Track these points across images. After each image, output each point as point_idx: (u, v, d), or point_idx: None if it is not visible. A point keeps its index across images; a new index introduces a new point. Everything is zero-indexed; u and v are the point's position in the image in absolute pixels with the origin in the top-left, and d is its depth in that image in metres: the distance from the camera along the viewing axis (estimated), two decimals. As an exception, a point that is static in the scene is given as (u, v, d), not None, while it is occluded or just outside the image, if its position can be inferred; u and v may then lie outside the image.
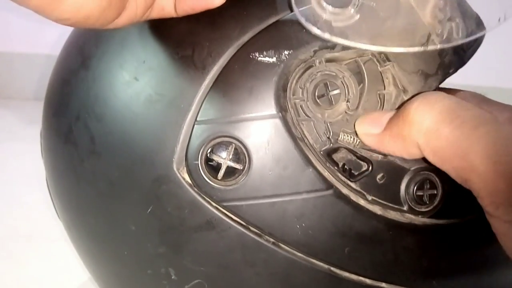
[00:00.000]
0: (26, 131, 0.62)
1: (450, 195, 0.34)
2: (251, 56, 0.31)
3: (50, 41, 0.79)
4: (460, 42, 0.31)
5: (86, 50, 0.36)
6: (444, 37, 0.31)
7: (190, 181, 0.32)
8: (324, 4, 0.30)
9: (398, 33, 0.31)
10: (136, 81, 0.33)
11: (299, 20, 0.30)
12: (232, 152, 0.31)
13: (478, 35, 0.31)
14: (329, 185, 0.32)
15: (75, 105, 0.35)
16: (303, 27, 0.32)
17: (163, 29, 0.33)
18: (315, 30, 0.30)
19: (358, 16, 0.30)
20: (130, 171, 0.33)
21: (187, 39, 0.33)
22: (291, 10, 0.31)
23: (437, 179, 0.34)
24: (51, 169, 0.39)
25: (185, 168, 0.32)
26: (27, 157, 0.50)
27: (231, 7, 0.33)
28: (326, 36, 0.30)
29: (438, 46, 0.31)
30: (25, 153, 0.54)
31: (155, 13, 0.33)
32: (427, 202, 0.33)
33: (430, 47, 0.31)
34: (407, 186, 0.33)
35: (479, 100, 0.33)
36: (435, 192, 0.33)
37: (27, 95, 1.03)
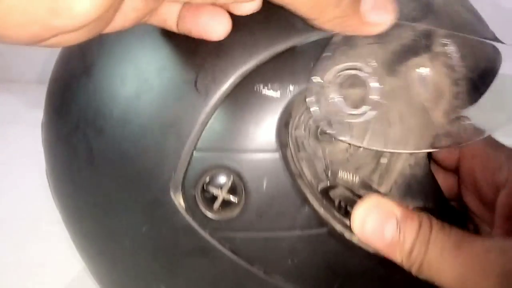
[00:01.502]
0: (29, 114, 0.62)
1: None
2: (255, 88, 0.31)
3: None
4: (468, 142, 0.30)
5: (88, 56, 0.35)
6: (453, 135, 0.30)
7: (185, 207, 0.32)
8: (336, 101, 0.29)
9: (406, 135, 0.30)
10: (137, 99, 0.32)
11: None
12: (229, 185, 0.31)
13: (486, 134, 0.30)
14: (324, 223, 0.32)
15: (76, 113, 0.35)
16: (311, 60, 0.31)
17: (168, 48, 0.32)
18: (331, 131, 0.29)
19: (370, 114, 0.30)
20: (127, 189, 0.33)
21: (191, 62, 0.32)
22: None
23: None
24: (50, 166, 0.39)
25: (181, 194, 0.32)
26: (29, 140, 0.49)
27: (237, 32, 0.31)
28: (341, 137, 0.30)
29: (448, 146, 0.30)
30: (28, 136, 0.53)
31: (155, 23, 0.31)
32: (421, 242, 0.33)
33: (438, 147, 0.30)
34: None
35: None
36: (430, 233, 0.33)
37: (30, 78, 1.02)
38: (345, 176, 0.32)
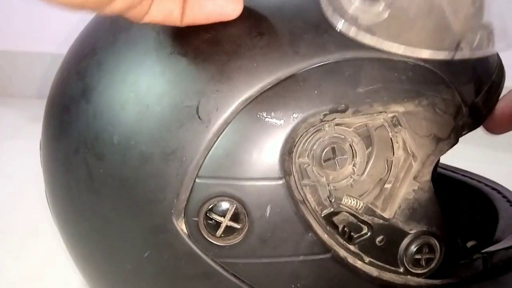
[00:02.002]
0: (29, 129, 0.61)
1: (447, 257, 0.34)
2: (258, 115, 0.30)
3: (53, 39, 0.77)
4: (490, 52, 0.29)
5: (87, 78, 0.35)
6: (475, 45, 0.29)
7: (188, 233, 0.32)
8: None
9: (426, 36, 0.29)
10: (138, 126, 0.32)
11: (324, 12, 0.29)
12: (232, 212, 0.31)
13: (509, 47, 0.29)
14: (328, 249, 0.32)
15: (75, 137, 0.34)
16: (314, 87, 0.30)
17: (169, 74, 0.32)
18: (340, 25, 0.28)
19: (387, 14, 0.28)
20: (128, 215, 0.33)
21: (193, 88, 0.31)
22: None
23: (436, 243, 0.34)
24: (50, 189, 0.39)
25: (183, 220, 0.31)
26: (30, 154, 0.49)
27: (240, 57, 0.31)
28: (352, 32, 0.28)
29: (467, 55, 0.29)
30: (28, 151, 0.53)
31: (161, 17, 0.30)
32: (424, 265, 0.33)
33: (458, 55, 0.29)
34: (406, 249, 0.33)
35: None
36: (433, 256, 0.33)
37: (30, 93, 1.02)
38: (349, 202, 0.32)
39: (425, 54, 0.29)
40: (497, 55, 0.38)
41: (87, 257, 0.38)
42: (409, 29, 0.29)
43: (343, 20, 0.28)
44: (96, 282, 0.39)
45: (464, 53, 0.29)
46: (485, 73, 0.35)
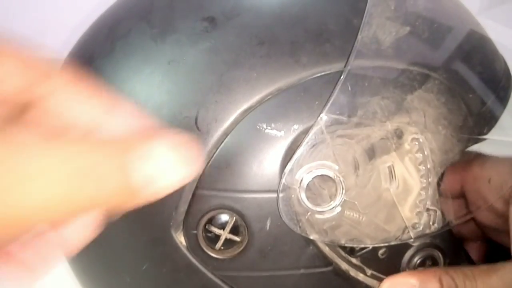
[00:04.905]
0: None
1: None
2: (258, 126, 0.30)
3: (50, 46, 0.76)
4: (433, 232, 0.31)
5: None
6: (420, 228, 0.31)
7: (186, 246, 0.31)
8: (305, 201, 0.30)
9: (375, 229, 0.31)
10: (136, 136, 0.31)
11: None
12: (231, 225, 0.30)
13: (453, 224, 0.32)
14: (329, 262, 0.31)
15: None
16: (315, 98, 0.30)
17: (166, 84, 0.31)
18: (295, 228, 0.30)
19: (339, 210, 0.30)
20: (127, 227, 0.32)
21: (192, 99, 0.30)
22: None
23: (440, 255, 0.33)
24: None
25: (182, 233, 0.31)
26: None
27: (240, 67, 0.30)
28: (309, 236, 0.30)
29: (412, 239, 0.31)
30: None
31: None
32: (427, 278, 0.33)
33: (404, 238, 0.31)
34: (409, 262, 0.32)
35: None
36: (437, 269, 0.33)
37: None
38: (351, 215, 0.31)
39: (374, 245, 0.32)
40: (505, 62, 0.37)
41: (87, 271, 0.37)
42: (358, 226, 0.31)
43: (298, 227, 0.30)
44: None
45: (410, 237, 0.31)
46: (491, 82, 0.34)
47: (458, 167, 0.33)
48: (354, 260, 0.32)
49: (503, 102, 0.34)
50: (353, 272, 0.32)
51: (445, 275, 0.28)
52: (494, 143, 0.33)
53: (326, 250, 0.31)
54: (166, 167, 0.20)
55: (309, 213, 0.30)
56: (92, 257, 0.36)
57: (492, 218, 0.35)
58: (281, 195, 0.30)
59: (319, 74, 0.30)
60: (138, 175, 0.19)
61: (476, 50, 0.34)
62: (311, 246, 0.31)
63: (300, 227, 0.29)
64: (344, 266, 0.31)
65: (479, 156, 0.34)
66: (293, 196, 0.30)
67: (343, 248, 0.32)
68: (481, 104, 0.33)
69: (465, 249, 0.37)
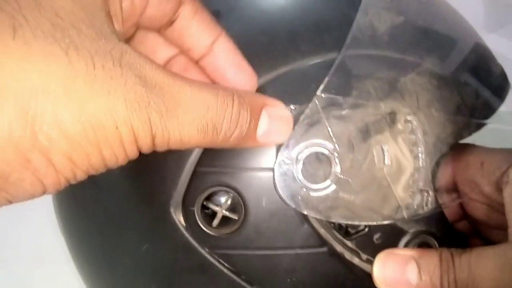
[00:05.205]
0: None
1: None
2: (256, 107, 0.31)
3: None
4: (426, 213, 0.32)
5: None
6: (413, 208, 0.32)
7: (185, 225, 0.32)
8: (300, 177, 0.31)
9: (369, 208, 0.31)
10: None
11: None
12: (228, 202, 0.31)
13: (445, 206, 0.33)
14: (324, 242, 0.32)
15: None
16: (312, 81, 0.31)
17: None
18: (290, 203, 0.31)
19: (333, 188, 0.31)
20: (128, 208, 0.33)
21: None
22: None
23: (435, 242, 0.33)
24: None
25: (181, 212, 0.32)
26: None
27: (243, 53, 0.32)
28: (304, 211, 0.31)
29: (406, 217, 0.32)
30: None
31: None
32: (423, 265, 0.33)
33: (397, 218, 0.32)
34: (404, 248, 0.33)
35: None
36: (432, 256, 0.33)
37: None
38: (346, 193, 0.32)
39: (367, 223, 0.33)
40: (501, 67, 0.38)
41: (88, 255, 0.38)
42: (353, 204, 0.32)
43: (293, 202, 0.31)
44: (96, 282, 0.39)
45: (403, 216, 0.32)
46: (486, 78, 0.35)
47: (450, 158, 0.34)
48: (349, 243, 0.32)
49: (499, 100, 0.36)
50: (348, 255, 0.32)
51: (445, 249, 0.29)
52: (488, 130, 0.34)
53: (321, 231, 0.32)
54: None
55: (304, 190, 0.30)
56: (93, 242, 0.36)
57: (484, 210, 0.35)
58: (276, 171, 0.31)
59: (317, 61, 0.32)
60: None
61: (471, 48, 0.35)
62: (306, 225, 0.31)
63: (294, 202, 0.30)
64: (339, 248, 0.32)
65: (471, 145, 0.35)
66: (288, 172, 0.30)
67: (338, 230, 0.32)
68: (475, 97, 0.34)
69: (462, 237, 0.37)
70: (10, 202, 0.21)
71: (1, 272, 0.53)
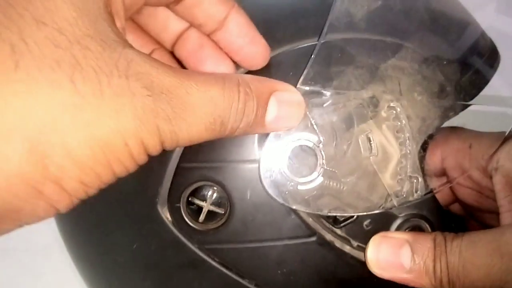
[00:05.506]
0: None
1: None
2: (235, 99, 0.31)
3: None
4: (416, 199, 0.31)
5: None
6: (403, 195, 0.31)
7: (172, 221, 0.32)
8: (287, 172, 0.30)
9: (358, 198, 0.31)
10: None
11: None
12: (213, 197, 0.31)
13: (436, 191, 0.32)
14: (312, 232, 0.31)
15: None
16: (290, 69, 0.31)
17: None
18: (278, 198, 0.30)
19: (321, 180, 0.31)
20: (117, 208, 0.33)
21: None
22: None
23: (427, 226, 0.33)
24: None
25: (167, 207, 0.32)
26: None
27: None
28: (292, 206, 0.30)
29: (396, 205, 0.31)
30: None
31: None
32: (416, 249, 0.32)
33: (388, 206, 0.31)
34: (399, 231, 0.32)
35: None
36: (425, 240, 0.32)
37: None
38: (333, 184, 0.31)
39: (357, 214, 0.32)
40: (491, 41, 0.37)
41: (85, 256, 0.38)
42: (340, 195, 0.31)
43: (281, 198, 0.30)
44: (94, 281, 0.39)
45: (393, 204, 0.31)
46: (471, 54, 0.34)
47: (438, 142, 0.33)
48: (338, 231, 0.32)
49: (487, 75, 0.35)
50: (338, 243, 0.32)
51: (438, 233, 0.28)
52: (475, 113, 0.33)
53: (309, 220, 0.31)
54: None
55: (291, 184, 0.30)
56: (88, 243, 0.37)
57: (474, 196, 0.35)
58: (262, 167, 0.30)
59: (293, 48, 0.31)
60: None
61: (452, 21, 0.34)
62: (293, 216, 0.31)
63: (282, 197, 0.30)
64: (328, 237, 0.32)
65: (459, 129, 0.34)
66: (274, 168, 0.30)
67: (326, 218, 0.32)
68: (460, 74, 0.33)
69: (459, 220, 0.36)
70: (22, 226, 0.21)
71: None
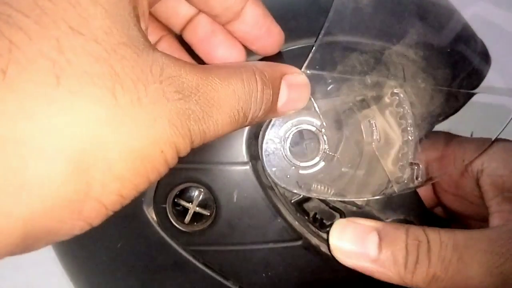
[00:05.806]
0: None
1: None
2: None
3: None
4: (417, 186, 0.31)
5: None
6: (404, 182, 0.31)
7: (157, 221, 0.32)
8: (289, 156, 0.30)
9: (359, 183, 0.31)
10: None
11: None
12: (200, 198, 0.31)
13: (436, 179, 0.32)
14: (298, 236, 0.31)
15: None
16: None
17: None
18: (279, 182, 0.30)
19: (322, 164, 0.31)
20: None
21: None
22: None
23: (414, 231, 0.32)
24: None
25: (153, 207, 0.31)
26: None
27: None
28: (294, 190, 0.31)
29: (396, 192, 0.31)
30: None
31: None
32: (402, 254, 0.32)
33: (388, 192, 0.31)
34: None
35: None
36: (411, 245, 0.32)
37: None
38: (319, 188, 0.31)
39: (358, 199, 0.32)
40: (482, 43, 0.37)
41: (69, 254, 0.38)
42: (342, 181, 0.31)
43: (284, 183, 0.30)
44: (80, 280, 0.39)
45: (394, 191, 0.31)
46: (463, 60, 0.34)
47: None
48: (324, 236, 0.32)
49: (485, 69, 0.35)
50: (324, 248, 0.32)
51: (412, 225, 0.28)
52: (477, 102, 0.33)
53: (296, 224, 0.31)
54: None
55: (293, 168, 0.30)
56: (74, 240, 0.36)
57: (458, 202, 0.35)
58: (264, 150, 0.30)
59: (284, 50, 0.31)
60: None
61: (453, 11, 0.34)
62: (279, 219, 0.31)
63: (284, 181, 0.30)
64: (314, 241, 0.31)
65: (442, 133, 0.34)
66: (276, 151, 0.30)
67: (313, 222, 0.32)
68: (463, 66, 0.33)
69: (443, 224, 0.36)
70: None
71: None
